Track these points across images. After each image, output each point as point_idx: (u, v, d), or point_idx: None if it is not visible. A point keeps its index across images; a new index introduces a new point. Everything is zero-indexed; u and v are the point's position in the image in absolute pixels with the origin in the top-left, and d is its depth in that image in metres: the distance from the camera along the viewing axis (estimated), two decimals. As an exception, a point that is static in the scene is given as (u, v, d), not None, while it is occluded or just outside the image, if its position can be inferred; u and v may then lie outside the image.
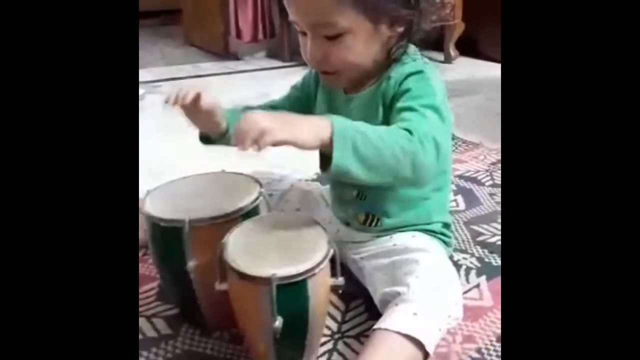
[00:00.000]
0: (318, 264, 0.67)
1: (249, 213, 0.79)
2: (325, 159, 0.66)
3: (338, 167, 0.65)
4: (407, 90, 0.77)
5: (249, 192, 0.82)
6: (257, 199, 0.81)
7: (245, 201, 0.79)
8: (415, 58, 0.82)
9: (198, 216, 0.75)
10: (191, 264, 0.75)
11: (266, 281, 0.64)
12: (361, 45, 0.77)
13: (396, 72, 0.81)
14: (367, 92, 0.84)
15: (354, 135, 0.66)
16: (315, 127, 0.65)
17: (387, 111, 0.80)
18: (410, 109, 0.74)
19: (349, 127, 0.67)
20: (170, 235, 0.76)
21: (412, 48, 0.83)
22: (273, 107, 0.97)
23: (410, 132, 0.69)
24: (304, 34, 0.79)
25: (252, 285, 0.66)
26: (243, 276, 0.66)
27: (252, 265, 0.67)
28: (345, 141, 0.65)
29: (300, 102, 0.96)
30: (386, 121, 0.80)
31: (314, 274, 0.67)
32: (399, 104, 0.76)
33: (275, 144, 0.63)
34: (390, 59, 0.82)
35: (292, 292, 0.66)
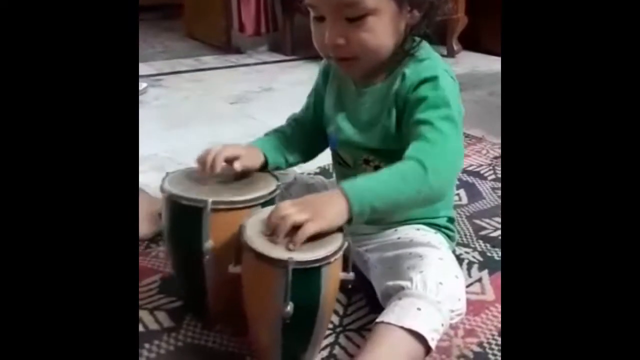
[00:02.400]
0: (334, 253, 0.67)
1: (267, 203, 0.79)
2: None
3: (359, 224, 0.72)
4: (423, 99, 0.77)
5: (268, 183, 0.83)
6: (275, 190, 0.81)
7: (263, 191, 0.80)
8: (429, 56, 0.82)
9: (219, 199, 0.76)
10: (207, 245, 0.76)
11: (283, 263, 0.65)
12: (384, 28, 0.76)
13: (411, 71, 0.80)
14: (380, 88, 0.83)
15: (370, 200, 0.70)
16: (338, 205, 0.69)
17: (400, 113, 0.80)
18: (427, 122, 0.75)
19: (364, 193, 0.70)
20: (190, 215, 0.76)
21: (425, 43, 0.83)
22: (296, 120, 0.97)
23: (423, 164, 0.72)
24: (320, 19, 0.77)
25: (268, 267, 0.66)
26: (260, 257, 0.66)
27: (270, 247, 0.67)
28: (362, 210, 0.70)
29: (317, 109, 0.95)
30: (399, 122, 0.80)
31: (329, 262, 0.67)
32: (417, 115, 0.77)
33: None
34: (403, 51, 0.81)
35: (307, 278, 0.66)
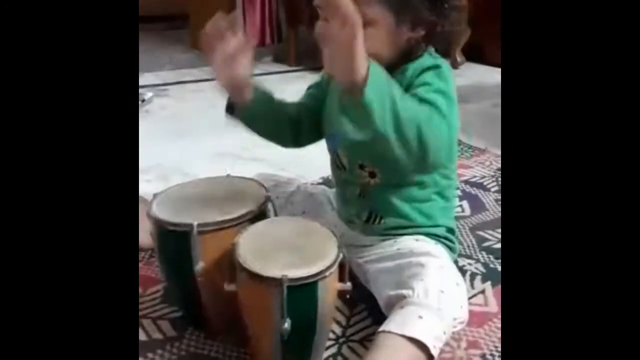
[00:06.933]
0: (328, 267, 0.67)
1: (256, 217, 0.79)
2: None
3: (366, 104, 0.63)
4: (425, 83, 0.77)
5: (256, 196, 0.82)
6: (264, 203, 0.81)
7: (252, 205, 0.79)
8: (435, 57, 0.83)
9: (206, 220, 0.75)
10: (198, 267, 0.75)
11: (277, 282, 0.65)
12: (380, 40, 0.77)
13: (413, 65, 0.81)
14: None
15: (386, 92, 0.65)
16: (360, 66, 0.62)
17: None
18: (427, 100, 0.74)
19: (384, 84, 0.65)
20: (178, 239, 0.76)
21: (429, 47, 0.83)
22: (297, 105, 0.97)
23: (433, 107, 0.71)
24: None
25: (262, 285, 0.66)
26: (254, 276, 0.67)
27: (263, 266, 0.67)
28: (379, 82, 0.64)
29: (316, 99, 0.96)
30: None
31: (324, 277, 0.67)
32: (417, 92, 0.76)
33: (341, 37, 0.61)
34: (406, 60, 0.81)
35: (302, 294, 0.67)
